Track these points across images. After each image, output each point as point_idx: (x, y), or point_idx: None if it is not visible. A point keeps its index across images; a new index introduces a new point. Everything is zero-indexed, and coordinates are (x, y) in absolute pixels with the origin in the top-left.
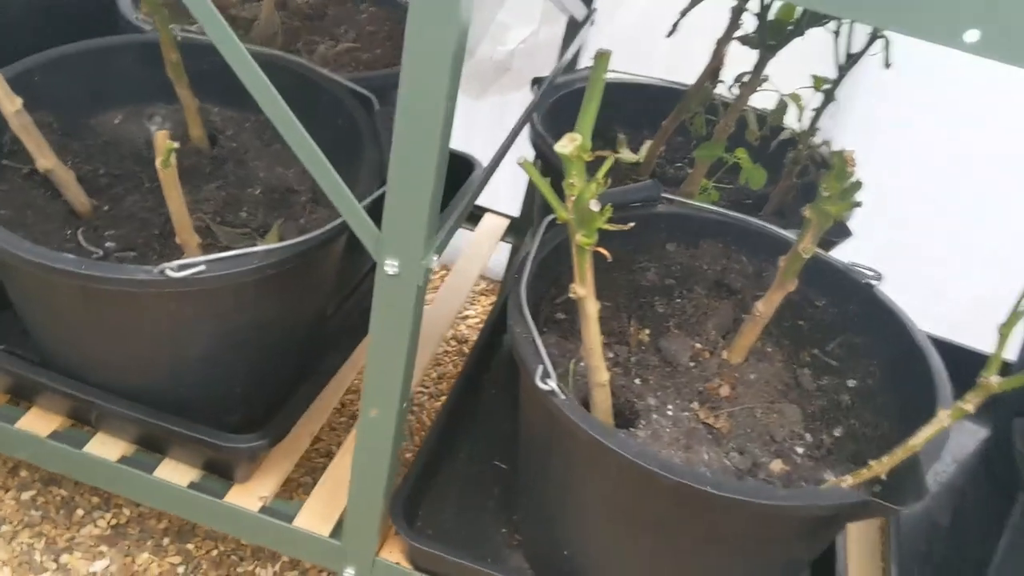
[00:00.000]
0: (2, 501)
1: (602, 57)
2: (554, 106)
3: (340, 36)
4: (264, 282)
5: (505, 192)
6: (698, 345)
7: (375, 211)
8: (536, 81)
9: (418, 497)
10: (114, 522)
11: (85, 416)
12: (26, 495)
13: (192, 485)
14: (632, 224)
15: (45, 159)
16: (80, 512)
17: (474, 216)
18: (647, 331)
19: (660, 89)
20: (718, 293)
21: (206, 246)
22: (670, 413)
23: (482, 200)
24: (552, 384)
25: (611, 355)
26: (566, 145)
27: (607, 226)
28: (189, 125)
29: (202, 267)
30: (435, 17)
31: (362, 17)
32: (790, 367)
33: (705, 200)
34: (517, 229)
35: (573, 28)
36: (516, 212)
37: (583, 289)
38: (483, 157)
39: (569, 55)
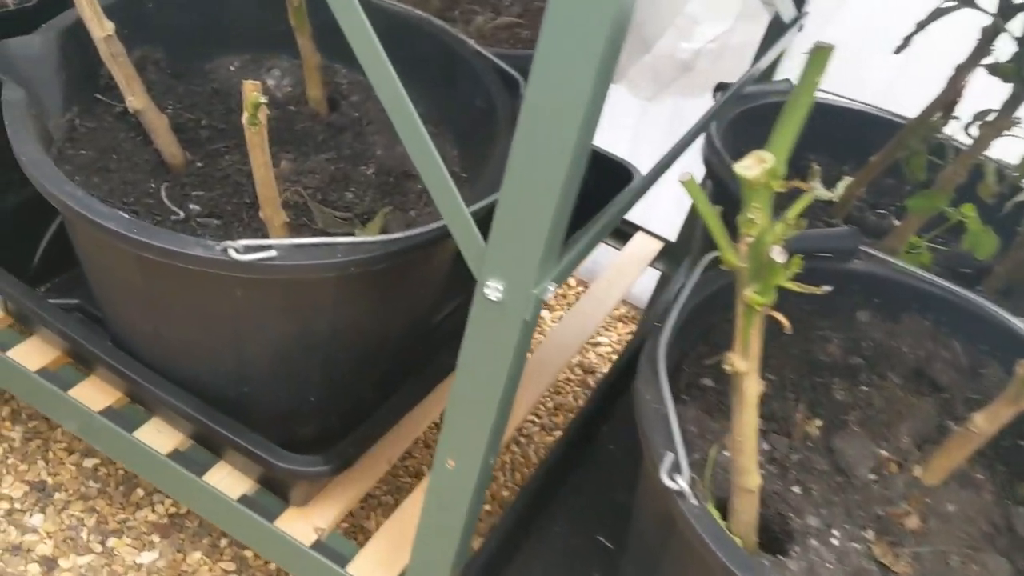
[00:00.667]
0: (62, 464)
1: (820, 53)
2: (738, 119)
3: (503, 9)
4: (347, 280)
5: (664, 210)
6: (884, 453)
7: (491, 218)
8: (720, 87)
9: (497, 570)
10: (173, 510)
11: (140, 397)
12: (88, 463)
13: (243, 499)
14: (826, 289)
15: (136, 98)
16: (140, 492)
17: (623, 234)
18: (818, 422)
19: (871, 117)
20: (918, 386)
21: (298, 226)
22: (835, 542)
23: (636, 216)
24: (682, 482)
25: (766, 447)
26: (751, 167)
27: (792, 285)
28: (307, 84)
29: (273, 252)
30: None
31: None
32: (1002, 503)
33: (913, 262)
34: (671, 256)
35: (776, 30)
36: (673, 235)
37: (744, 363)
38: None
39: (766, 61)
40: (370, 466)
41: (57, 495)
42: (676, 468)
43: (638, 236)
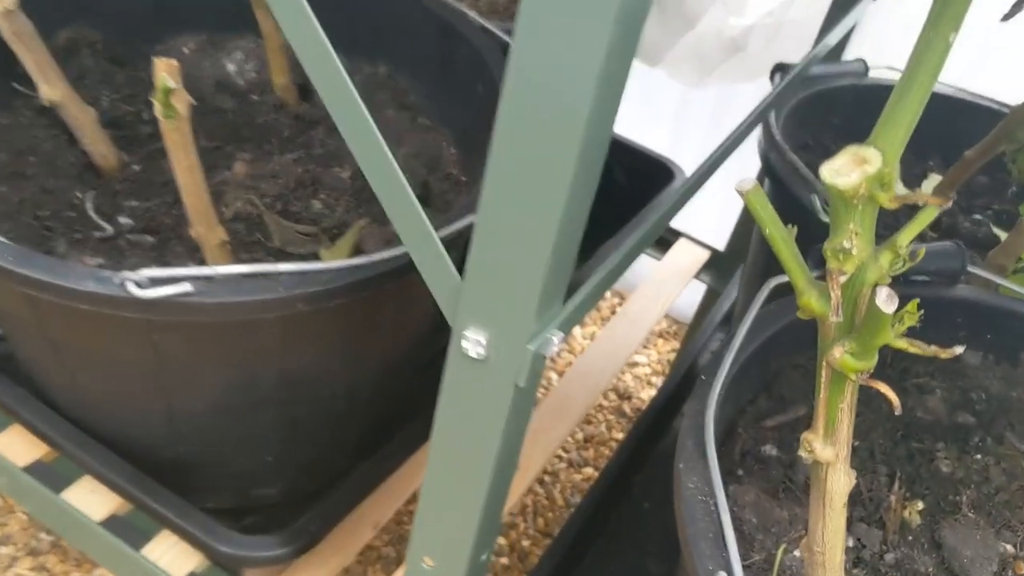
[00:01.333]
0: (12, 512)
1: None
2: (802, 107)
3: None
4: (296, 320)
5: (710, 212)
6: (1010, 548)
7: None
8: (779, 69)
9: None
10: None
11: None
12: None
13: None
14: (958, 350)
15: (51, 87)
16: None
17: (663, 241)
18: (919, 506)
19: (961, 104)
20: None
21: (249, 244)
22: None
23: (678, 221)
24: None
25: (851, 543)
26: (846, 170)
27: (906, 345)
28: (273, 69)
29: (187, 286)
30: None
31: None
32: None
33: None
34: (720, 267)
35: (844, 2)
36: (722, 243)
37: (829, 450)
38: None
39: (834, 39)
40: (351, 533)
41: (3, 550)
42: None
43: (681, 243)
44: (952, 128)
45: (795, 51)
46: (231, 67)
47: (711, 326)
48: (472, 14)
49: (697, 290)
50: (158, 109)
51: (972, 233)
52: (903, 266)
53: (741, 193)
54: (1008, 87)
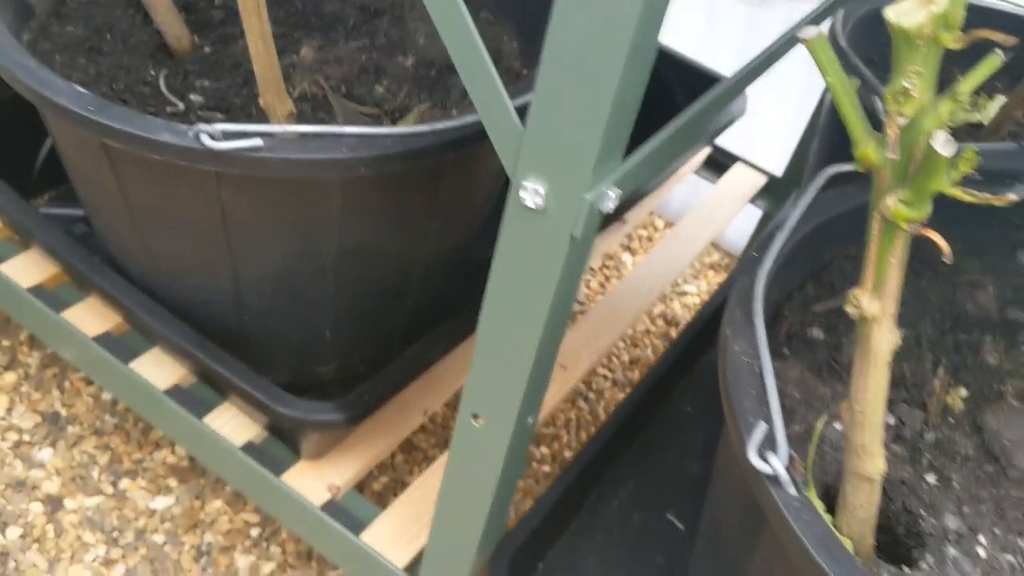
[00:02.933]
0: (79, 395)
1: None
2: (870, 18)
3: None
4: (357, 185)
5: (770, 139)
6: None
7: None
8: None
9: (538, 551)
10: (185, 447)
11: (136, 324)
12: (107, 395)
13: (248, 447)
14: (1012, 198)
15: None
16: (160, 431)
17: (718, 164)
18: (963, 392)
19: None
20: None
21: (314, 122)
22: (982, 552)
23: (736, 145)
24: (777, 464)
25: (892, 421)
26: (910, 12)
27: (960, 192)
28: None
29: (258, 141)
30: None
31: None
32: None
33: None
34: (776, 193)
35: None
36: (779, 170)
37: (876, 304)
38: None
39: None
40: (402, 417)
41: (70, 429)
42: (770, 444)
43: (737, 167)
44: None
45: None
46: None
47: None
48: None
49: (753, 219)
50: None
51: None
52: (964, 118)
53: (804, 41)
54: None
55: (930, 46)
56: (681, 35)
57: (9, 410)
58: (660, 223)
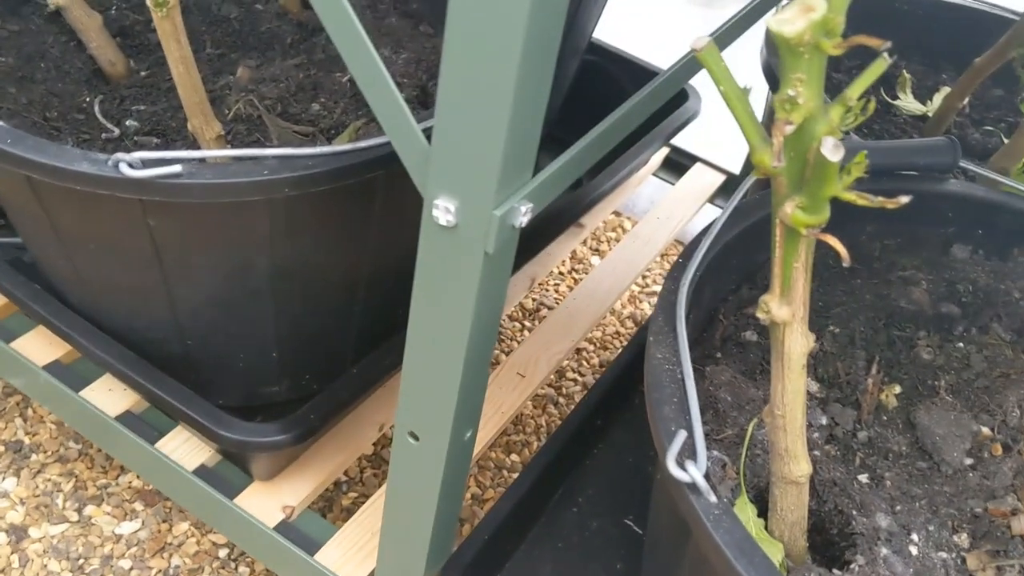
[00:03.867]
0: (42, 423)
1: None
2: None
3: None
4: (284, 205)
5: (728, 138)
6: (985, 430)
7: None
8: None
9: (495, 562)
10: (139, 474)
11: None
12: None
13: (200, 471)
14: (903, 200)
15: None
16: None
17: (679, 166)
18: (896, 389)
19: (976, 13)
20: None
21: (248, 143)
22: (913, 550)
23: (697, 147)
24: (695, 472)
25: (824, 421)
26: (792, 19)
27: (853, 196)
28: None
29: (177, 168)
30: None
31: None
32: None
33: None
34: (734, 191)
35: None
36: (737, 168)
37: (784, 308)
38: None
39: None
40: (355, 431)
41: (34, 457)
42: (690, 452)
43: (696, 168)
44: (967, 41)
45: None
46: None
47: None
48: None
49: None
50: None
51: (982, 143)
52: (855, 121)
53: (695, 50)
54: None
55: (812, 53)
56: (636, 37)
57: None
58: (628, 224)
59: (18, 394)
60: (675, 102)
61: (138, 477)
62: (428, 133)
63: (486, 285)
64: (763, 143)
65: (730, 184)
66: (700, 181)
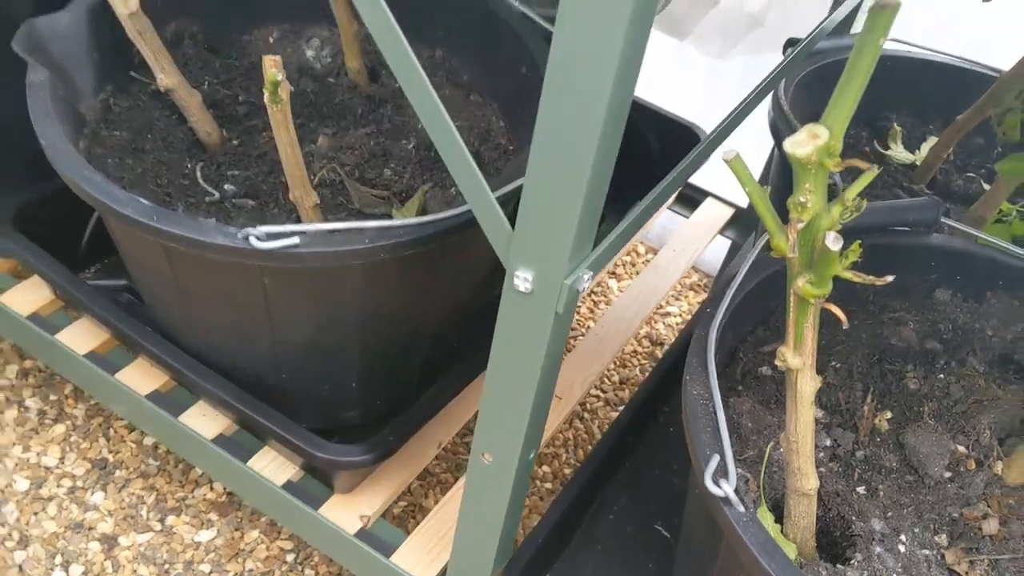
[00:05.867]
0: (123, 442)
1: (883, 13)
2: (810, 78)
3: None
4: (377, 267)
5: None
6: (961, 448)
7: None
8: (790, 44)
9: (545, 563)
10: (231, 488)
11: (183, 382)
12: (148, 440)
13: (288, 486)
14: (889, 279)
15: (166, 75)
16: (198, 471)
17: (691, 200)
18: (888, 415)
19: (961, 71)
20: (1004, 373)
21: (333, 206)
22: (902, 548)
23: (706, 181)
24: (727, 488)
25: (828, 442)
26: (803, 143)
27: (851, 275)
28: (347, 55)
29: (295, 240)
30: None
31: None
32: None
33: (1004, 234)
34: (743, 223)
35: None
36: (745, 200)
37: (797, 359)
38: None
39: (841, 13)
40: (419, 450)
41: (118, 473)
42: (723, 471)
43: (708, 202)
44: (953, 94)
45: (810, 24)
46: (310, 53)
47: (717, 288)
48: (516, 3)
49: (725, 244)
50: (266, 97)
51: (964, 189)
52: (851, 216)
53: (726, 161)
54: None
55: (818, 169)
56: (652, 84)
57: (62, 459)
58: (642, 249)
59: (100, 416)
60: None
61: (212, 489)
62: (499, 200)
63: (554, 338)
64: (780, 232)
65: (739, 217)
66: (711, 214)
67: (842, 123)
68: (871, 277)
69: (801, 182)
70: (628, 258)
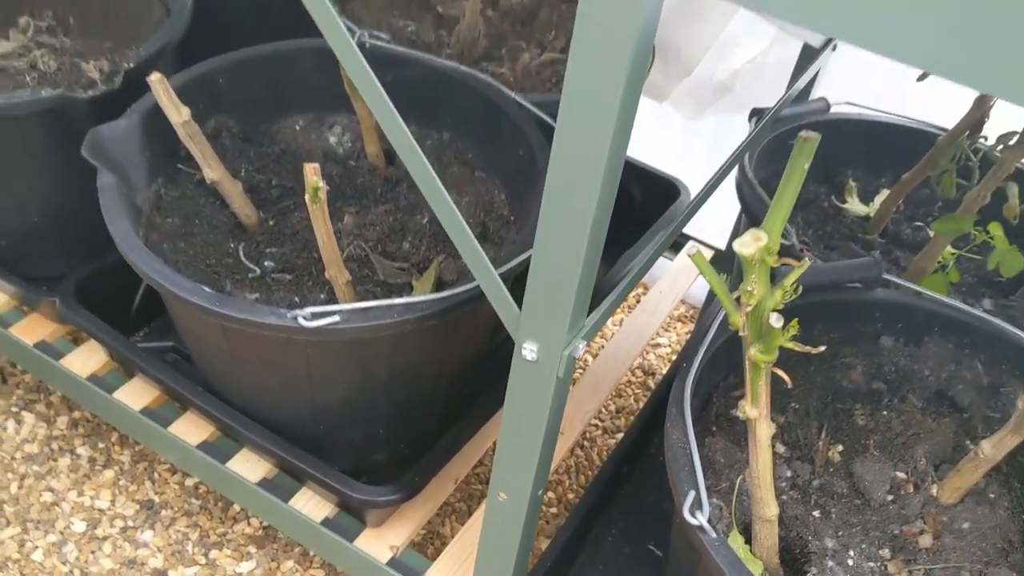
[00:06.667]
0: (167, 483)
1: (807, 144)
2: (773, 144)
3: (548, 43)
4: (403, 335)
5: (714, 217)
6: (901, 475)
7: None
8: (755, 113)
9: None
10: (265, 523)
11: (229, 433)
12: (189, 481)
13: (326, 522)
14: (822, 348)
15: (212, 170)
16: (236, 508)
17: (675, 244)
18: (839, 448)
19: (909, 131)
20: (938, 408)
21: (361, 278)
22: (850, 562)
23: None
24: (702, 518)
25: (789, 474)
26: (748, 244)
27: (791, 345)
28: (366, 142)
29: (337, 317)
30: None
31: (573, 23)
32: (1018, 518)
33: (941, 283)
34: (722, 262)
35: (809, 53)
36: (723, 243)
37: (755, 410)
38: (696, 180)
39: (801, 83)
40: (439, 486)
41: (164, 512)
42: (698, 504)
43: (689, 245)
44: (902, 150)
45: (775, 88)
46: (332, 139)
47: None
48: (512, 93)
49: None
50: (307, 197)
51: (912, 237)
52: (791, 296)
53: (689, 256)
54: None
55: (760, 264)
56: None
57: (113, 501)
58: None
59: (144, 461)
60: (672, 197)
61: (249, 524)
62: (504, 276)
63: (556, 397)
64: (735, 312)
65: (718, 258)
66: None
67: (778, 229)
68: (807, 347)
69: (748, 274)
70: None
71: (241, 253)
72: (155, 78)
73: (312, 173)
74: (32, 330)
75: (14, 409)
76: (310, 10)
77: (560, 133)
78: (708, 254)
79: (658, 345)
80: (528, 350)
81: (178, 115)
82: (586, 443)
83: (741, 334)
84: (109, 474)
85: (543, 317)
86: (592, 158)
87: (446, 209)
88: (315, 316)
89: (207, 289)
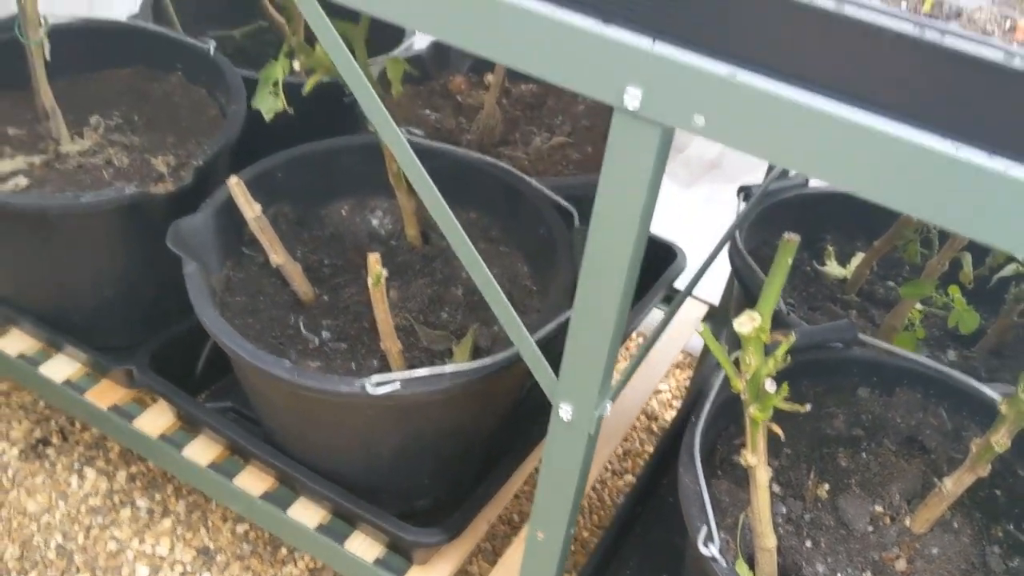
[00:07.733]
0: (220, 531)
1: (789, 244)
2: (762, 217)
3: (556, 128)
4: (451, 397)
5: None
6: (879, 508)
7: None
8: (743, 190)
9: None
10: (312, 564)
11: (289, 483)
12: (240, 528)
13: (377, 562)
14: (807, 407)
15: (277, 255)
16: (284, 551)
17: (670, 299)
18: (826, 487)
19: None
20: (909, 450)
21: (408, 346)
22: None
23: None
24: (714, 550)
25: (784, 510)
26: (744, 324)
27: (783, 405)
28: (406, 224)
29: (397, 384)
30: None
31: (579, 109)
32: (979, 543)
33: (909, 340)
34: (716, 317)
35: None
36: (716, 299)
37: (754, 458)
38: (688, 242)
39: None
40: (475, 527)
41: (219, 557)
42: (709, 537)
43: (687, 302)
44: (879, 219)
45: (757, 163)
46: (375, 222)
47: (712, 361)
48: (531, 180)
49: None
50: (370, 283)
51: (885, 296)
52: (783, 365)
53: (699, 332)
54: None
55: (756, 341)
56: None
57: (171, 548)
58: (634, 333)
59: (198, 509)
60: (669, 260)
61: (296, 566)
62: (540, 342)
63: (587, 452)
64: (736, 378)
65: (712, 313)
66: (689, 312)
67: (768, 312)
68: (796, 406)
69: (745, 348)
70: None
71: (302, 326)
72: (233, 181)
73: (375, 263)
74: (105, 395)
75: (76, 466)
76: (368, 115)
77: (594, 230)
78: (703, 310)
79: (659, 391)
80: (564, 411)
81: (252, 211)
82: (597, 485)
83: (742, 397)
84: (167, 523)
85: (578, 381)
86: (622, 247)
87: (487, 283)
88: (379, 384)
89: (287, 363)
